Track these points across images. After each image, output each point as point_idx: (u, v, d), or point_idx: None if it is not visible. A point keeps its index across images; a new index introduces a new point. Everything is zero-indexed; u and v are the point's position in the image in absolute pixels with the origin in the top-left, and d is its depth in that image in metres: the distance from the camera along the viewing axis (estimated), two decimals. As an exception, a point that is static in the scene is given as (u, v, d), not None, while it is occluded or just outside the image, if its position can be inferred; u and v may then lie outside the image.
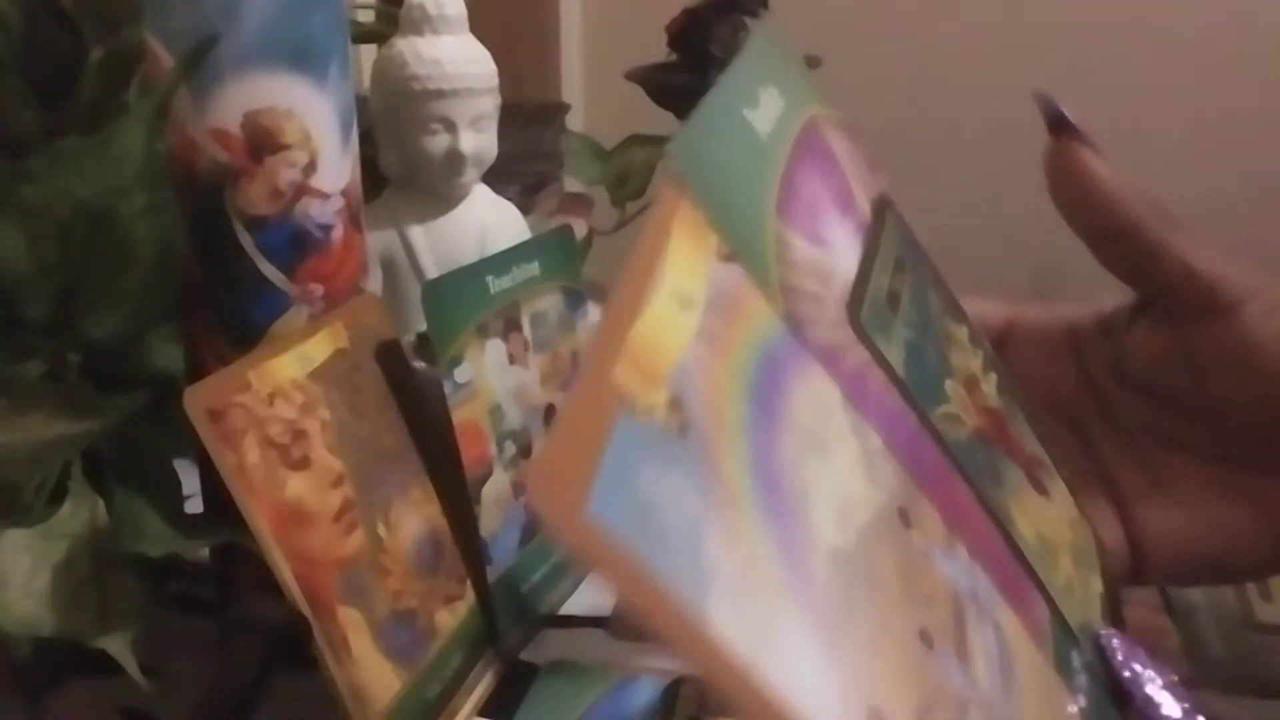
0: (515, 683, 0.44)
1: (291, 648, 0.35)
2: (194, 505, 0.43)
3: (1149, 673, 0.27)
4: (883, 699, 0.20)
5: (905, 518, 0.23)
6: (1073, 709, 0.26)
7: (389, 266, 0.53)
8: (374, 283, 0.52)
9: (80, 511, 0.38)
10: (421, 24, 0.51)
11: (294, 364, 0.39)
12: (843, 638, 0.19)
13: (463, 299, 0.43)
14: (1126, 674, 0.27)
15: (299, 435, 0.37)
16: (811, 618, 0.19)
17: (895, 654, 0.21)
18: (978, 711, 0.22)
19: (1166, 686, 0.27)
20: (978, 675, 0.23)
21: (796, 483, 0.21)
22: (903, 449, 0.24)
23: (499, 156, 0.54)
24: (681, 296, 0.20)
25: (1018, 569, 0.27)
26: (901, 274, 0.29)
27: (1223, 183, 1.43)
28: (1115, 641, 0.28)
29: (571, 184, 0.80)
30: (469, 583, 0.43)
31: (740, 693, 0.17)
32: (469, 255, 0.51)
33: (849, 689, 0.19)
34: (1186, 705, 0.27)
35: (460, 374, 0.42)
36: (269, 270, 0.40)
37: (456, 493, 0.43)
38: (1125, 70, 1.54)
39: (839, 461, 0.22)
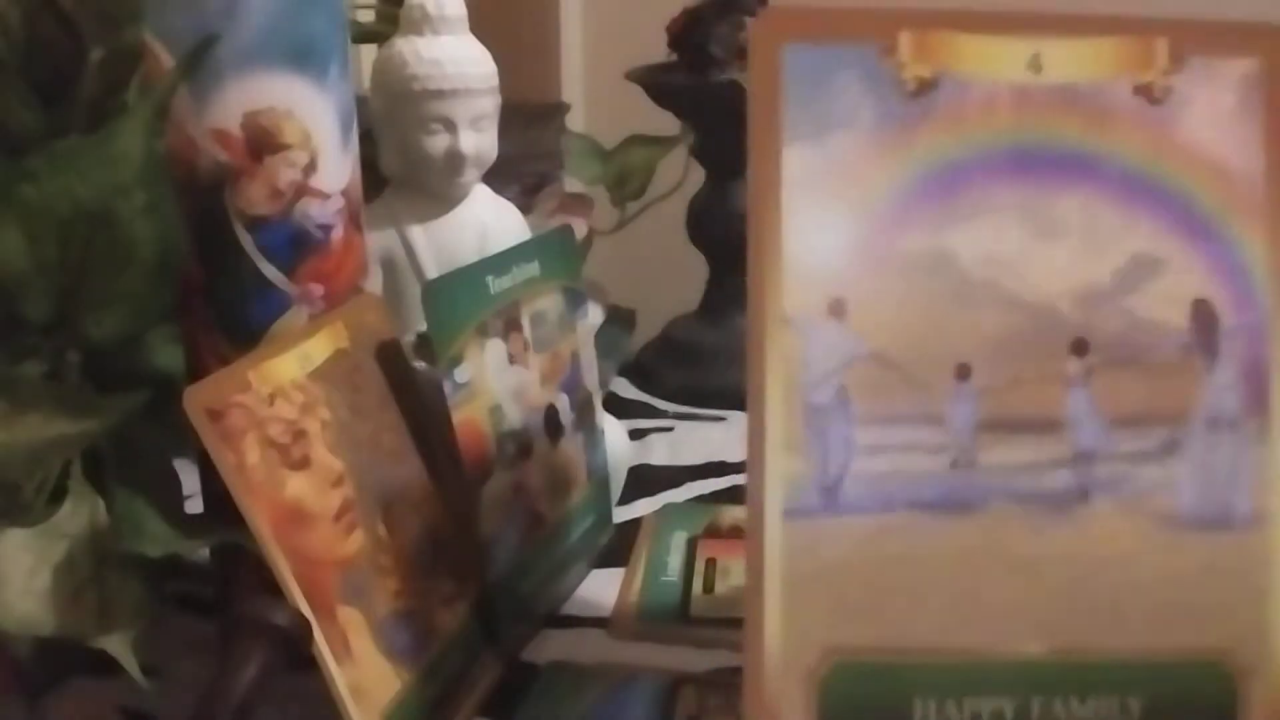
0: (515, 683, 0.44)
1: (291, 648, 0.35)
2: (194, 505, 0.43)
3: None
4: (864, 320, 0.22)
5: (1081, 348, 0.24)
6: None
7: (389, 266, 0.53)
8: (374, 283, 0.52)
9: (80, 511, 0.38)
10: (421, 24, 0.51)
11: (294, 364, 0.39)
12: (874, 282, 0.22)
13: (463, 299, 0.43)
14: None
15: (299, 435, 0.37)
16: (855, 241, 0.22)
17: (916, 337, 0.22)
18: (946, 454, 0.23)
19: None
20: (982, 449, 0.23)
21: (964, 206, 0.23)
22: None
23: (499, 156, 0.54)
24: (1039, 61, 0.23)
25: None
26: None
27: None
28: None
29: (571, 184, 0.80)
30: (469, 583, 0.43)
31: (757, 222, 0.21)
32: (469, 255, 0.51)
33: (838, 283, 0.22)
34: None
35: (460, 374, 0.42)
36: (269, 270, 0.40)
37: (456, 493, 0.43)
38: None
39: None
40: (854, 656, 0.24)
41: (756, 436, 0.23)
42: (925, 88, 0.23)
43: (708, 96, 0.71)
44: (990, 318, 0.24)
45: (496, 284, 0.45)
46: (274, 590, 0.35)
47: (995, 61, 0.23)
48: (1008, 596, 0.24)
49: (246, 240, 0.40)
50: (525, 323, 0.47)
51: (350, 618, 0.37)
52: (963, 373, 0.24)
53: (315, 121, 0.40)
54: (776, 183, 0.22)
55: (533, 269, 0.47)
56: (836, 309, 0.24)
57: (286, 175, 0.40)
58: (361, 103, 0.45)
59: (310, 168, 0.40)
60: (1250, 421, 0.24)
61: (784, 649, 0.24)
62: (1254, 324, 0.24)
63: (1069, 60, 0.24)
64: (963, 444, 0.24)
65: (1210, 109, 0.25)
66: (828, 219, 0.23)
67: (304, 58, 0.39)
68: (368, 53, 0.60)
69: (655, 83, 0.72)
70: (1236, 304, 0.24)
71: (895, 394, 0.23)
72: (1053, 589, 0.24)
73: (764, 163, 0.22)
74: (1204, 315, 0.25)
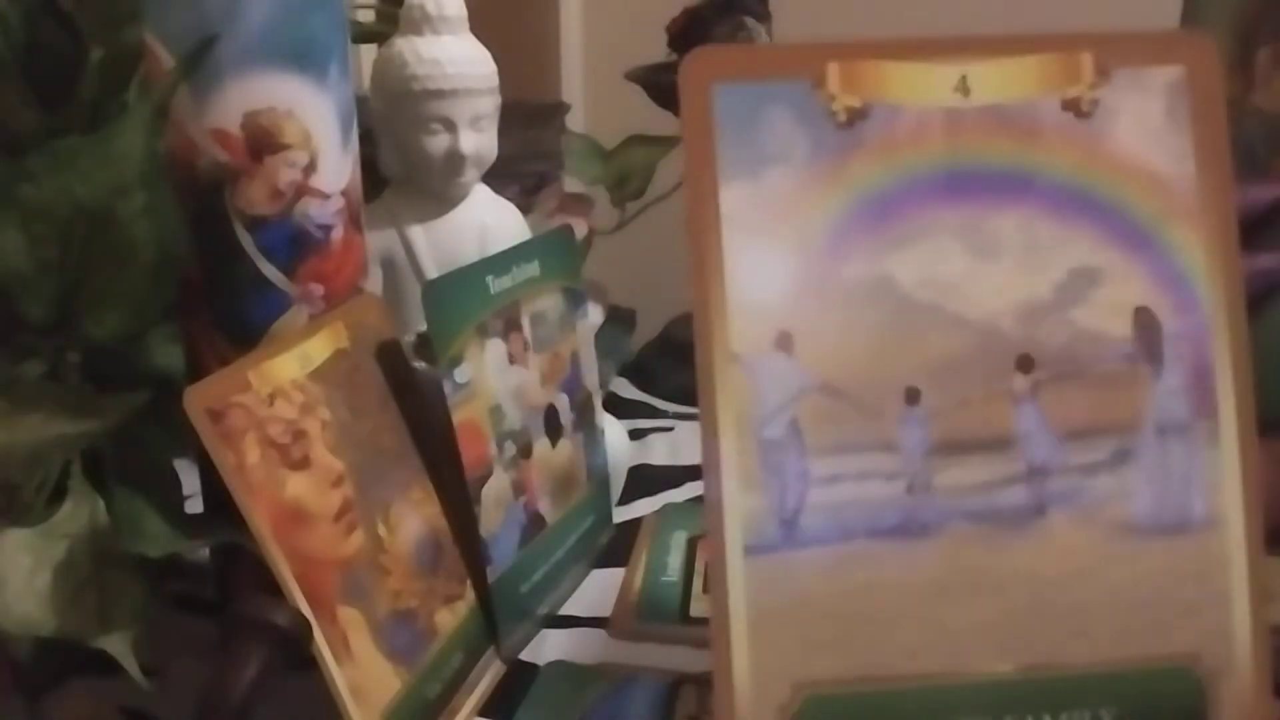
0: (515, 683, 0.44)
1: (291, 648, 0.35)
2: (194, 505, 0.43)
3: None
4: (811, 353, 0.23)
5: (1026, 365, 0.24)
6: None
7: (389, 266, 0.53)
8: (374, 283, 0.52)
9: (80, 511, 0.38)
10: (421, 24, 0.51)
11: (294, 364, 0.39)
12: (818, 314, 0.23)
13: (463, 299, 0.43)
14: None
15: (299, 435, 0.37)
16: (795, 274, 0.23)
17: (864, 365, 0.23)
18: (901, 480, 0.23)
19: None
20: (936, 471, 0.24)
21: (905, 231, 0.23)
22: None
23: (499, 156, 0.54)
24: (967, 83, 0.24)
25: None
26: None
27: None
28: None
29: (571, 184, 0.80)
30: (469, 583, 0.43)
31: (699, 262, 0.22)
32: (469, 255, 0.51)
33: (783, 317, 0.22)
34: None
35: (460, 374, 0.42)
36: (269, 270, 0.40)
37: (456, 493, 0.43)
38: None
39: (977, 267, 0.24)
40: (825, 690, 0.24)
41: (713, 474, 0.23)
42: (856, 118, 0.23)
43: (708, 96, 0.71)
44: (935, 340, 0.24)
45: (496, 284, 0.45)
46: (274, 590, 0.35)
47: (923, 87, 0.24)
48: (974, 618, 0.24)
49: (246, 240, 0.40)
50: (525, 323, 0.47)
51: (350, 618, 0.37)
52: (912, 397, 0.24)
53: (315, 121, 0.40)
54: (715, 221, 0.23)
55: (533, 269, 0.47)
56: (783, 343, 0.24)
57: (286, 175, 0.40)
58: (361, 103, 0.45)
59: (310, 168, 0.40)
60: (1200, 424, 0.25)
61: (754, 687, 0.24)
62: (1197, 328, 0.25)
63: (996, 81, 0.24)
64: (917, 468, 0.24)
65: (1139, 119, 0.25)
66: (768, 254, 0.23)
67: (304, 58, 0.39)
68: (368, 53, 0.60)
69: (655, 83, 0.72)
70: (1178, 309, 0.25)
71: (847, 423, 0.23)
72: (1017, 607, 0.24)
73: (701, 202, 0.23)
74: (1146, 322, 0.25)
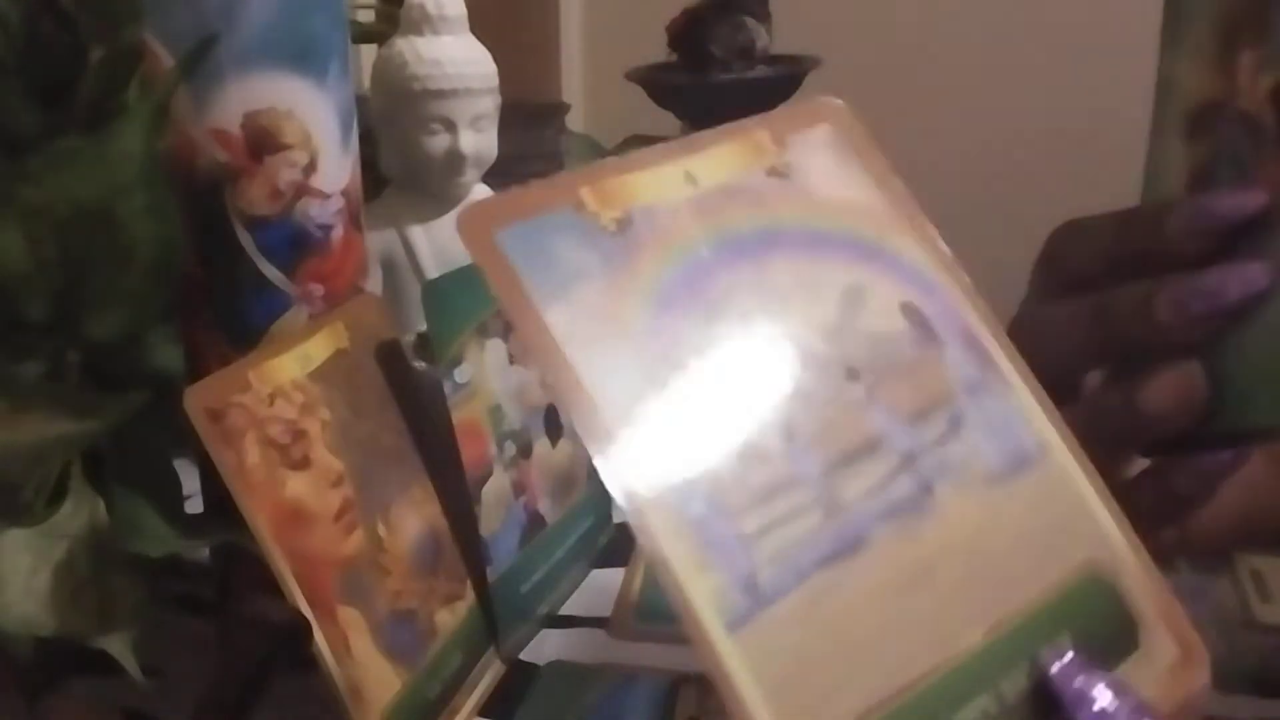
0: (515, 683, 0.44)
1: (291, 648, 0.35)
2: (194, 505, 0.43)
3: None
4: (684, 427, 0.25)
5: (853, 374, 0.27)
6: None
7: (389, 266, 0.53)
8: (374, 283, 0.52)
9: (80, 511, 0.38)
10: (421, 24, 0.51)
11: (294, 364, 0.39)
12: (683, 401, 0.25)
13: (463, 299, 0.43)
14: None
15: (299, 435, 0.37)
16: (642, 367, 0.25)
17: (735, 424, 0.25)
18: (818, 508, 0.25)
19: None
20: (838, 489, 0.25)
21: (721, 305, 0.26)
22: None
23: (499, 156, 0.54)
24: (692, 176, 0.27)
25: None
26: None
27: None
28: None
29: (571, 184, 0.80)
30: (469, 583, 0.43)
31: (550, 369, 0.24)
32: (469, 255, 0.51)
33: (653, 415, 0.24)
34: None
35: (460, 374, 0.42)
36: (269, 270, 0.40)
37: (456, 493, 0.43)
38: (1131, 69, 1.54)
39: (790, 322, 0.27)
40: None
41: (666, 572, 0.24)
42: (623, 225, 0.26)
43: (708, 96, 0.71)
44: (780, 380, 0.26)
45: (496, 284, 0.45)
46: (274, 590, 0.35)
47: (661, 187, 0.27)
48: (929, 604, 0.25)
49: (246, 240, 0.40)
50: (525, 323, 0.47)
51: (350, 618, 0.37)
52: (789, 434, 0.25)
53: (315, 121, 0.40)
54: (554, 345, 0.24)
55: (533, 269, 0.47)
56: (658, 429, 0.25)
57: (286, 175, 0.40)
58: (361, 103, 0.45)
59: (310, 168, 0.40)
60: (989, 375, 0.28)
61: None
62: (945, 305, 0.28)
63: (711, 168, 0.28)
64: (822, 493, 0.25)
65: (823, 170, 0.29)
66: (613, 363, 0.25)
67: (304, 58, 0.39)
68: (368, 53, 0.60)
69: (655, 83, 0.73)
70: (927, 297, 0.28)
71: (750, 476, 0.25)
72: (956, 579, 0.26)
73: (536, 333, 0.24)
74: (912, 313, 0.28)
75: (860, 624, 0.25)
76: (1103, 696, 0.25)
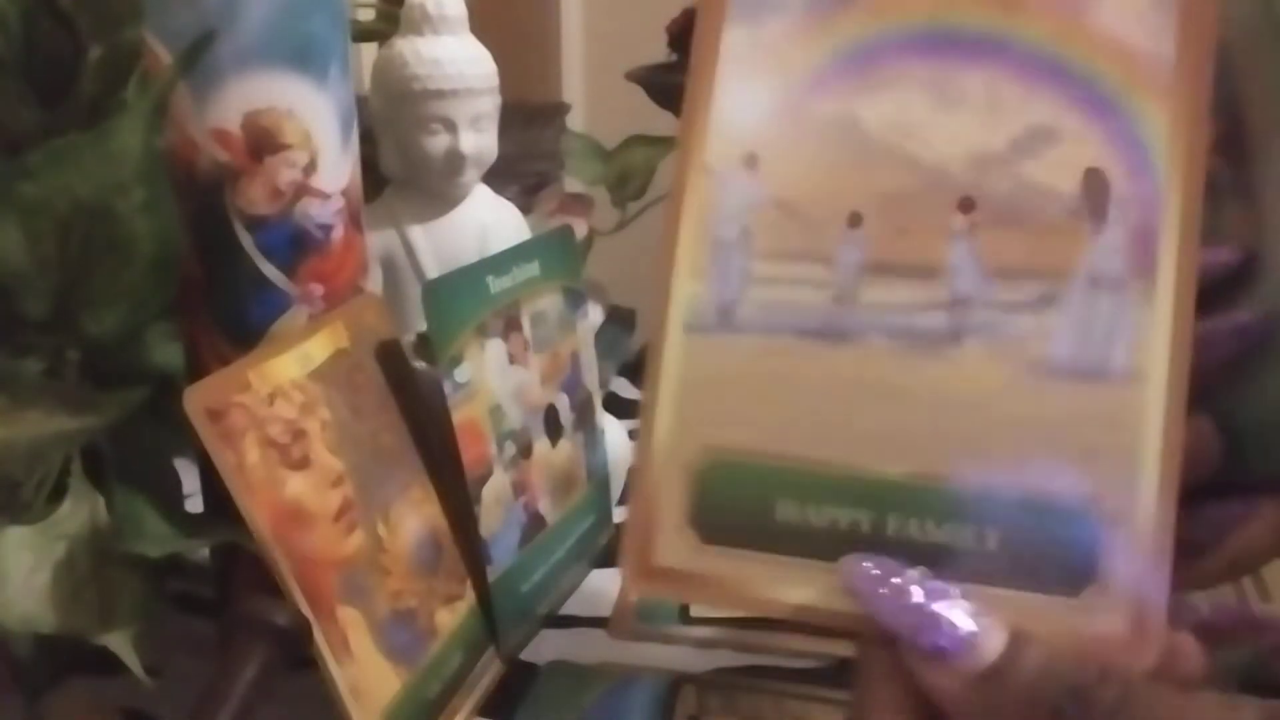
0: (515, 683, 0.44)
1: (291, 648, 0.35)
2: (194, 505, 0.43)
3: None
4: (772, 173, 0.27)
5: (967, 205, 0.27)
6: None
7: (389, 266, 0.53)
8: (374, 283, 0.52)
9: (80, 509, 0.38)
10: (421, 24, 0.51)
11: (294, 364, 0.39)
12: (786, 141, 0.27)
13: (463, 299, 0.43)
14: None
15: (299, 435, 0.37)
16: (775, 111, 0.27)
17: (817, 189, 0.27)
18: (830, 290, 0.26)
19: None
20: (864, 288, 0.26)
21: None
22: None
23: (499, 156, 0.54)
24: None
25: None
26: None
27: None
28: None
29: (571, 184, 0.80)
30: (469, 583, 0.43)
31: (692, 93, 0.27)
32: (469, 255, 0.51)
33: (754, 141, 0.27)
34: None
35: (460, 374, 0.42)
36: (269, 270, 0.40)
37: (456, 493, 0.43)
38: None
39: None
40: (730, 456, 0.27)
41: (665, 264, 0.27)
42: None
43: (708, 96, 0.71)
44: (885, 175, 0.27)
45: (496, 284, 0.45)
46: (274, 590, 0.35)
47: None
48: (872, 422, 0.26)
49: (246, 240, 0.40)
50: (525, 323, 0.47)
51: (350, 618, 0.37)
52: (854, 220, 0.27)
53: (315, 121, 0.40)
54: (714, 60, 0.27)
55: (533, 269, 0.47)
56: (750, 162, 0.27)
57: (286, 175, 0.40)
58: (361, 103, 0.45)
59: (310, 168, 0.40)
60: (1135, 283, 0.26)
61: (669, 444, 0.27)
62: (1147, 194, 0.26)
63: None
64: (846, 282, 0.27)
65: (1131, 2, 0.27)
66: (753, 89, 0.27)
67: (304, 58, 0.39)
68: (368, 53, 0.60)
69: (655, 83, 0.72)
70: (1131, 174, 0.26)
71: (791, 234, 0.27)
72: (917, 419, 0.26)
73: (705, 43, 0.27)
74: (1095, 182, 0.26)
75: (792, 393, 0.26)
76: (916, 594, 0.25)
